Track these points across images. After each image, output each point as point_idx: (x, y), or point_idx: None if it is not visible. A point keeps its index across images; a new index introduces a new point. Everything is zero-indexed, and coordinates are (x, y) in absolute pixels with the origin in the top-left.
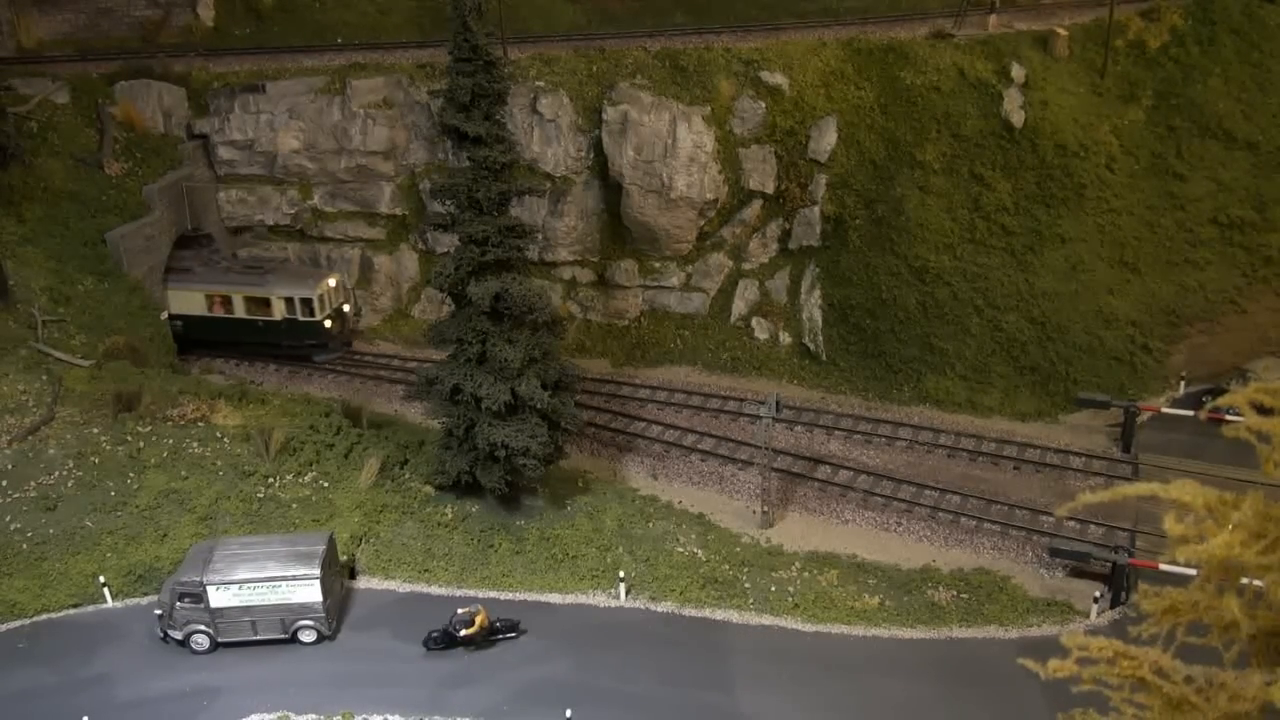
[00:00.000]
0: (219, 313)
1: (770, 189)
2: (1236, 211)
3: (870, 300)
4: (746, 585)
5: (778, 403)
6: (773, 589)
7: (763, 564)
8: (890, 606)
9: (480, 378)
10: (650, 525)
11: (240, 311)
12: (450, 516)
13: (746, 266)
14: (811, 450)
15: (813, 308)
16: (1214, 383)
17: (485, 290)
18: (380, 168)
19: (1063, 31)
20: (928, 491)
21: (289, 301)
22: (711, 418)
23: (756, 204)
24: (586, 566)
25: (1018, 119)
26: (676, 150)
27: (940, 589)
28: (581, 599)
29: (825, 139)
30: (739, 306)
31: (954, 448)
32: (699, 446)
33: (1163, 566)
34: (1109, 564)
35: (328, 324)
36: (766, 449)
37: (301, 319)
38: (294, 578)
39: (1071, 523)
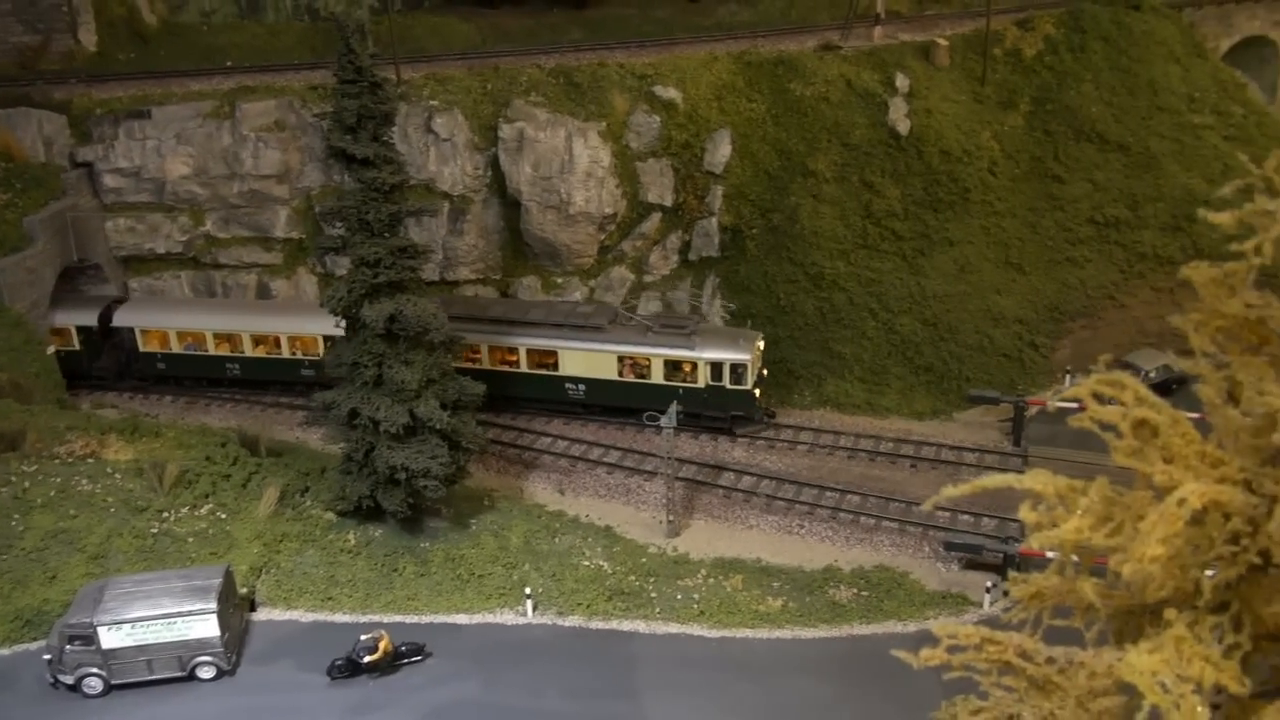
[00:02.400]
0: (629, 377)
1: (669, 201)
2: (1111, 211)
3: (770, 308)
4: (653, 595)
5: (679, 412)
6: (679, 597)
7: (669, 573)
8: (793, 608)
9: (377, 400)
10: (557, 540)
11: (657, 377)
12: (353, 542)
13: (649, 278)
14: (716, 458)
15: (714, 317)
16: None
17: (379, 312)
18: (274, 191)
19: (943, 42)
20: (829, 493)
21: (716, 367)
22: (618, 430)
23: (656, 217)
24: (493, 585)
25: (903, 127)
26: (574, 166)
27: (842, 588)
28: (489, 618)
29: (720, 151)
30: None
31: (853, 449)
32: (605, 460)
33: (1049, 554)
34: (1000, 554)
35: (757, 392)
36: (669, 459)
37: (730, 386)
38: (190, 613)
39: (966, 516)
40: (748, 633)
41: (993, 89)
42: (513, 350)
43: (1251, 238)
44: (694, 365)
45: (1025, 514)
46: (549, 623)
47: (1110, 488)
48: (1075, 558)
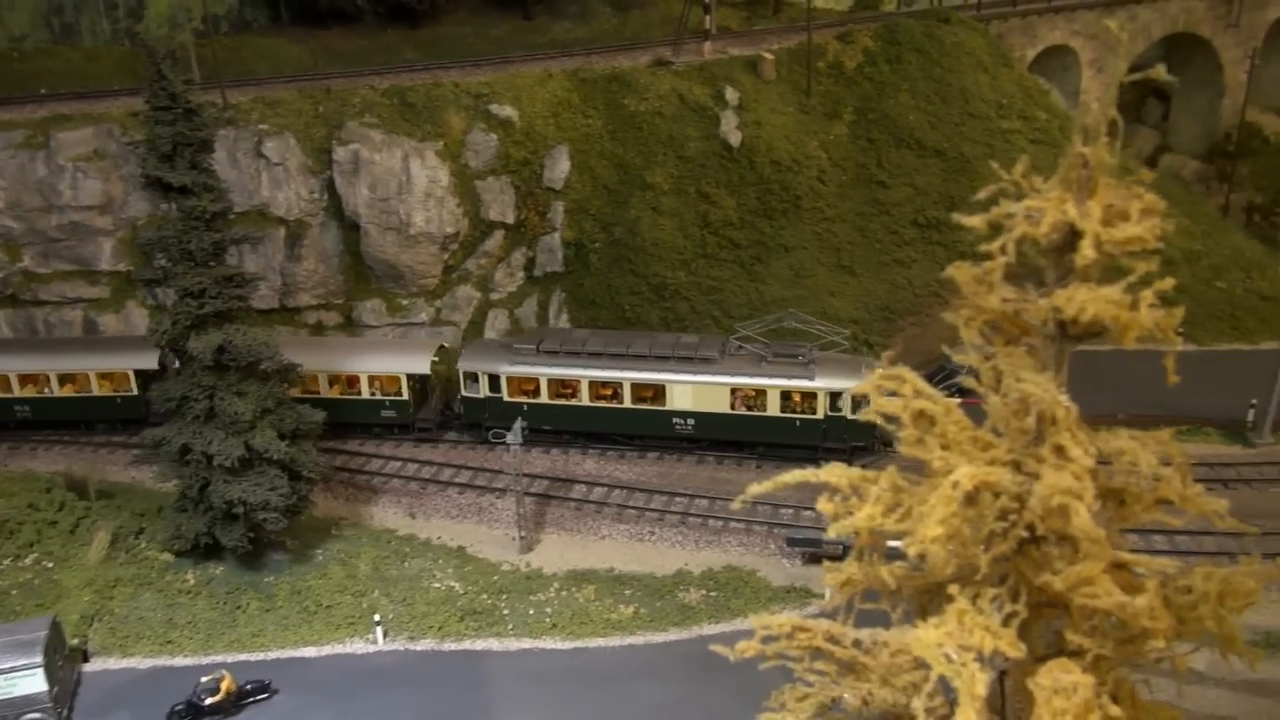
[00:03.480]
0: (740, 410)
1: (511, 219)
2: (932, 213)
3: (615, 320)
4: (505, 612)
5: (525, 428)
6: (531, 612)
7: (522, 589)
8: (644, 614)
9: (210, 434)
10: (406, 565)
11: (773, 409)
12: (192, 582)
13: (495, 296)
14: (567, 471)
15: None
16: (925, 370)
17: (206, 344)
18: (96, 223)
19: (769, 56)
20: (678, 498)
21: (836, 396)
22: (469, 449)
23: (499, 234)
24: (342, 614)
25: (735, 139)
26: (412, 186)
27: (691, 590)
28: (338, 649)
29: (559, 167)
30: (491, 336)
31: (701, 453)
32: (456, 480)
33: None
34: (840, 547)
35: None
36: (518, 475)
37: (851, 417)
38: (14, 669)
39: (809, 512)
40: (600, 642)
41: (818, 100)
42: (615, 385)
43: (1000, 237)
44: (813, 395)
45: (822, 505)
46: (400, 648)
47: (898, 476)
48: (872, 543)
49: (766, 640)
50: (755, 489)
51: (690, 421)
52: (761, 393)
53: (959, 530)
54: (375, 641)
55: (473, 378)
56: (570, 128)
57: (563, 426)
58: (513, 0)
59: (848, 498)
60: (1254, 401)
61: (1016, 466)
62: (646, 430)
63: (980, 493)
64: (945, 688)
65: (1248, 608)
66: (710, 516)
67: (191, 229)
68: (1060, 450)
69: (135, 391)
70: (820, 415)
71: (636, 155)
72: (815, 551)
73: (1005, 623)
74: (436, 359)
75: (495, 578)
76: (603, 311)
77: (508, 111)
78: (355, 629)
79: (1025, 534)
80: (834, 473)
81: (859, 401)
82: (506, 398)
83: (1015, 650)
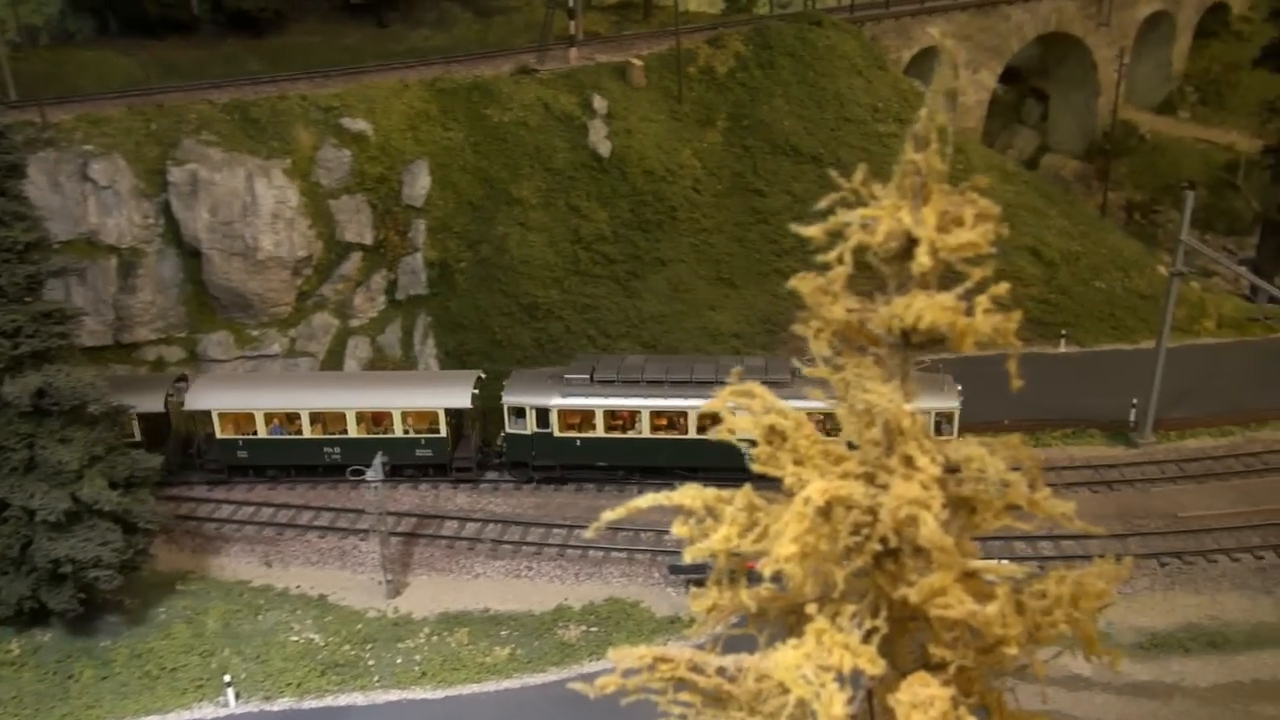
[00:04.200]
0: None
1: (369, 239)
2: (811, 221)
3: (486, 343)
4: (371, 662)
5: (386, 463)
6: (399, 661)
7: (389, 636)
8: (521, 655)
9: (31, 487)
10: (261, 618)
11: (853, 433)
12: (16, 652)
13: (355, 323)
14: (436, 507)
15: (428, 358)
16: None
17: (23, 387)
18: None
19: (638, 62)
20: (556, 530)
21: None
22: (329, 489)
23: (356, 256)
24: (188, 677)
25: (605, 149)
26: (258, 208)
27: (571, 626)
28: (184, 715)
29: (419, 183)
30: (351, 366)
31: (580, 480)
32: (316, 523)
33: (757, 567)
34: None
35: None
36: (381, 514)
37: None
38: None
39: None
40: (474, 688)
41: (690, 107)
42: (678, 414)
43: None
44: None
45: (677, 529)
46: (255, 710)
47: (754, 495)
48: (730, 565)
49: (627, 674)
50: (608, 515)
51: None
52: (839, 416)
53: (815, 547)
54: (226, 704)
55: (518, 412)
56: (430, 141)
57: (619, 462)
58: (366, 7)
59: (703, 520)
60: (1135, 401)
61: (870, 479)
62: (712, 462)
63: (833, 507)
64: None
65: (1106, 608)
66: (591, 547)
67: (2, 262)
68: (908, 460)
69: None
70: None
71: (502, 168)
72: (699, 578)
73: (865, 639)
74: (477, 391)
75: (360, 626)
76: (471, 335)
77: (361, 125)
78: (204, 692)
79: (880, 547)
80: (688, 494)
81: (946, 421)
82: (557, 433)
83: (874, 667)
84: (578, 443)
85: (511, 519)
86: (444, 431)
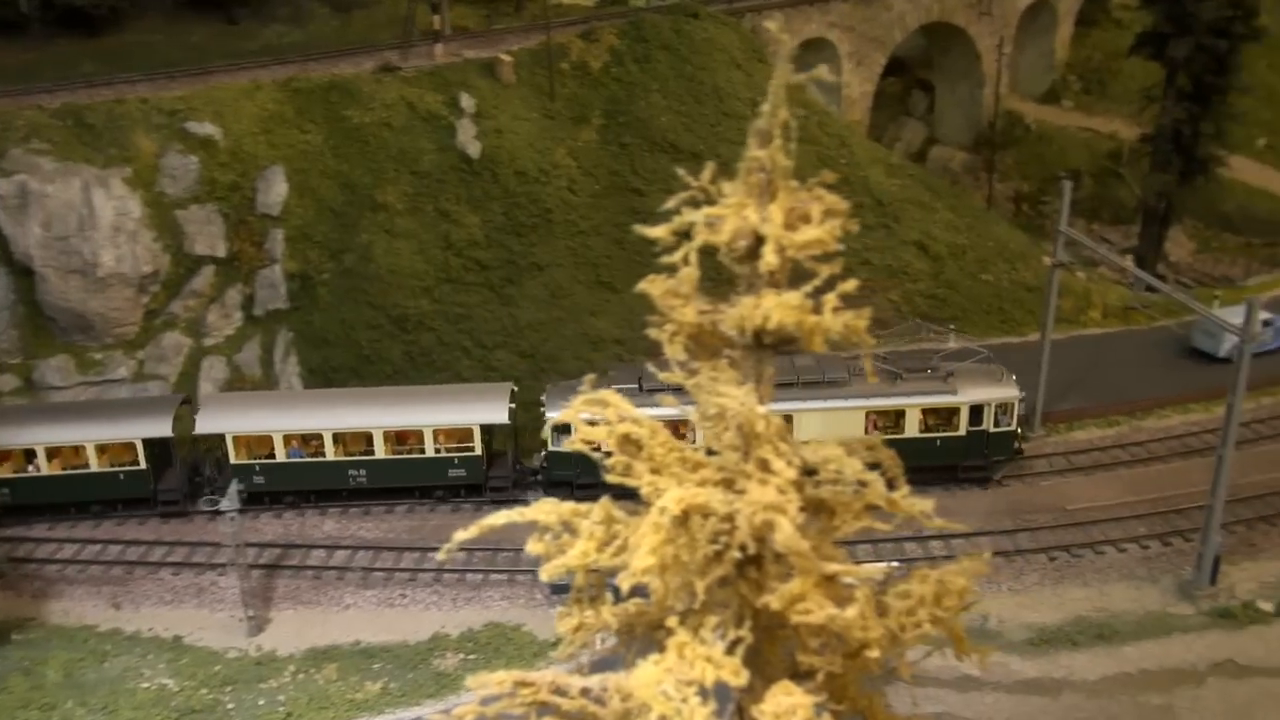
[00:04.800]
0: (871, 435)
1: (221, 252)
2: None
3: (353, 359)
4: (230, 706)
5: (242, 491)
6: (262, 703)
7: (250, 677)
8: (394, 689)
9: None
10: (108, 665)
11: (912, 430)
12: None
13: (209, 342)
14: (302, 535)
15: (290, 376)
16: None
17: None
18: None
19: (507, 58)
20: (430, 554)
21: (977, 410)
22: (183, 523)
23: (208, 270)
24: None
25: (474, 149)
26: (96, 221)
27: (449, 655)
28: None
29: (274, 190)
30: (207, 388)
31: (458, 501)
32: (170, 560)
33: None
34: (613, 589)
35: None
36: (239, 546)
37: (994, 430)
38: None
39: None
40: None
41: (563, 104)
42: None
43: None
44: (955, 411)
45: (532, 546)
46: None
47: (613, 507)
48: (591, 582)
49: (486, 701)
50: (460, 535)
51: None
52: (900, 413)
53: (674, 558)
54: None
55: (563, 429)
56: (285, 145)
57: None
58: (213, 2)
59: (559, 535)
60: (1022, 395)
61: (728, 485)
62: None
63: (691, 516)
64: None
65: (971, 606)
66: (469, 570)
67: None
68: (764, 464)
69: None
70: (962, 431)
71: (364, 173)
72: None
73: (730, 650)
74: (513, 405)
75: (218, 668)
76: (337, 350)
77: (209, 129)
78: None
79: (740, 555)
80: (543, 509)
81: (1005, 412)
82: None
83: (738, 679)
84: None
85: (383, 544)
86: (479, 449)
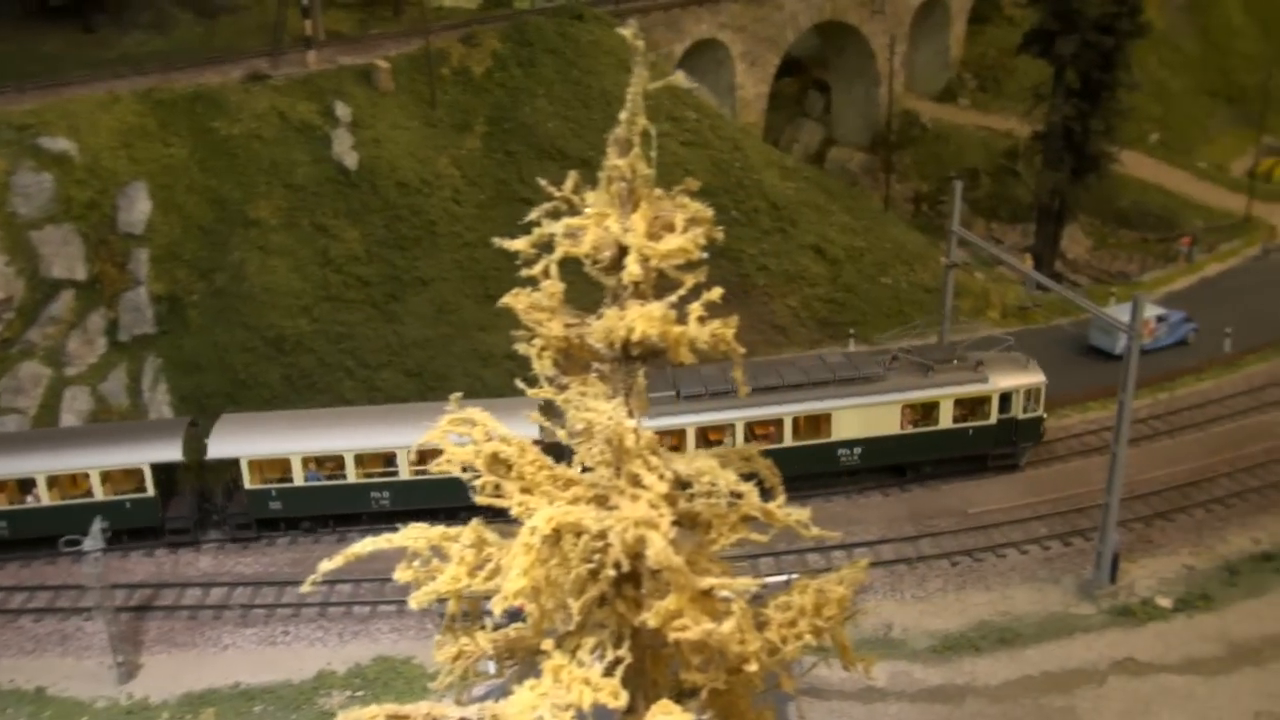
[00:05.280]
0: (907, 428)
1: (81, 274)
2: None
3: (228, 384)
4: None
5: (105, 529)
6: None
7: None
8: None
9: None
10: None
11: (945, 421)
12: None
13: (71, 371)
14: (176, 574)
15: (160, 406)
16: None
17: None
18: None
19: (385, 64)
20: (318, 588)
21: (1007, 397)
22: (45, 565)
23: (67, 295)
24: None
25: (351, 160)
26: None
27: (335, 694)
28: None
29: (137, 208)
30: (69, 420)
31: (344, 531)
32: (30, 606)
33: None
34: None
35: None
36: (104, 588)
37: (1023, 417)
38: None
39: None
40: None
41: (444, 112)
42: (774, 422)
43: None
44: (986, 400)
45: (400, 574)
46: None
47: (485, 529)
48: (463, 608)
49: None
50: (325, 565)
51: (857, 450)
52: (934, 405)
53: (548, 579)
54: None
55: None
56: (147, 159)
57: None
58: (68, 9)
59: (428, 561)
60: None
61: (601, 502)
62: (808, 469)
63: (563, 535)
64: None
65: (855, 614)
66: (355, 603)
67: None
68: (635, 479)
69: None
70: (993, 420)
71: (234, 187)
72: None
73: (609, 671)
74: (546, 423)
75: (85, 719)
76: (210, 376)
77: (63, 144)
78: None
79: (615, 573)
80: (411, 535)
81: (1033, 398)
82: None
83: (617, 700)
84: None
85: (264, 579)
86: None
